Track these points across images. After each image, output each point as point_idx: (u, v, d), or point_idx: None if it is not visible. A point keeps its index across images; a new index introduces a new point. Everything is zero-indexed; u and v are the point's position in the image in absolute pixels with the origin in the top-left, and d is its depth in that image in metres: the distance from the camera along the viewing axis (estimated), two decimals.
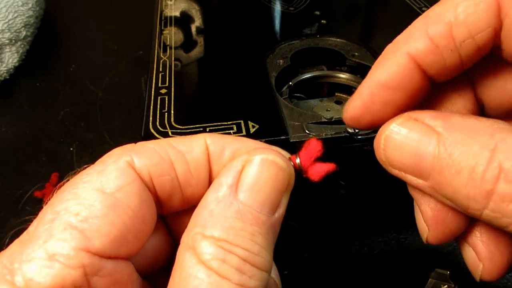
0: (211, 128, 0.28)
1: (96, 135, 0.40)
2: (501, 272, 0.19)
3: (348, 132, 0.28)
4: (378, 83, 0.18)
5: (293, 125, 0.28)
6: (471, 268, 0.19)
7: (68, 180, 0.18)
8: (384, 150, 0.18)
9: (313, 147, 0.20)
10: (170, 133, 0.27)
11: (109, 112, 0.43)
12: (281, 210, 0.18)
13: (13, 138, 0.41)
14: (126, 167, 0.17)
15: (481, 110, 0.20)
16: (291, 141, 0.27)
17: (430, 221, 0.19)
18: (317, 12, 0.42)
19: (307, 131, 0.28)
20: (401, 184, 0.30)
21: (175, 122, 0.28)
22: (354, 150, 0.29)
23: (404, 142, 0.18)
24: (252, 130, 0.28)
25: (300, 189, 0.30)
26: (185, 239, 0.17)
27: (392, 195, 0.32)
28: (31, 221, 0.17)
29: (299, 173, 0.20)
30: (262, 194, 0.17)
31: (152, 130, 0.28)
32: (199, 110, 0.30)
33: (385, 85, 0.18)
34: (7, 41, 0.46)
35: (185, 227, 0.17)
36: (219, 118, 0.29)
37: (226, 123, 0.28)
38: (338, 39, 0.38)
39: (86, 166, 0.18)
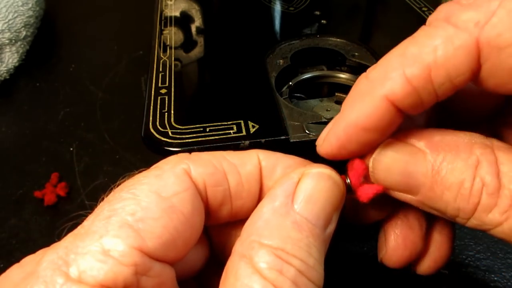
0: (211, 128, 0.28)
1: (96, 135, 0.40)
2: (397, 264, 0.22)
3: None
4: (355, 125, 0.19)
5: (293, 125, 0.28)
6: (378, 249, 0.23)
7: (123, 181, 0.18)
8: (373, 172, 0.19)
9: (358, 166, 0.20)
10: (170, 133, 0.27)
11: (109, 112, 0.43)
12: (332, 226, 0.18)
13: (13, 138, 0.41)
14: (183, 174, 0.18)
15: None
16: (291, 141, 0.27)
17: (391, 245, 0.21)
18: (317, 12, 0.42)
19: (307, 131, 0.28)
20: None
21: (175, 122, 0.28)
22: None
23: (392, 163, 0.19)
24: (252, 130, 0.28)
25: None
26: (239, 248, 0.17)
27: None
28: (84, 216, 0.17)
29: (349, 192, 0.20)
30: (317, 207, 0.18)
31: (152, 130, 0.28)
32: (199, 110, 0.30)
33: (363, 127, 0.18)
34: (7, 41, 0.46)
35: (226, 239, 0.18)
36: (219, 118, 0.29)
37: (226, 123, 0.28)
38: (338, 39, 0.38)
39: (142, 169, 0.19)
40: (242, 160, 0.19)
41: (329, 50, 0.37)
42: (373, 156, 0.19)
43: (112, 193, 0.18)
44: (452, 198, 0.17)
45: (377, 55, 0.35)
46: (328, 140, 0.20)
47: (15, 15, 0.46)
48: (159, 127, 0.28)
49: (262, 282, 0.15)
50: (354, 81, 0.35)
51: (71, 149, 0.39)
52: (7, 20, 0.45)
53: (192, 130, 0.28)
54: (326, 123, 0.29)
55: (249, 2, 0.44)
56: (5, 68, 0.46)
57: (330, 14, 0.42)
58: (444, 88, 0.17)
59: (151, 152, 0.28)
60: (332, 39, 0.38)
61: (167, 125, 0.28)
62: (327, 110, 0.33)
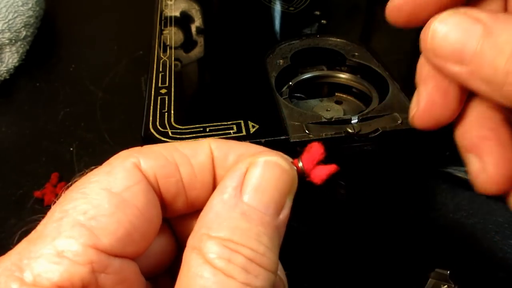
0: (211, 128, 0.28)
1: (96, 135, 0.40)
2: (425, 124, 0.23)
3: (348, 132, 0.28)
4: None
5: (293, 125, 0.28)
6: (410, 110, 0.23)
7: (75, 181, 0.18)
8: (431, 39, 0.20)
9: (315, 150, 0.20)
10: (170, 133, 0.27)
11: (109, 112, 0.43)
12: (285, 212, 0.18)
13: (13, 138, 0.41)
14: (133, 168, 0.18)
15: None
16: (291, 141, 0.27)
17: (425, 100, 0.22)
18: (317, 12, 0.42)
19: (307, 131, 0.28)
20: (401, 184, 0.30)
21: (175, 122, 0.28)
22: (354, 150, 0.29)
23: (451, 31, 0.19)
24: (252, 130, 0.28)
25: (300, 189, 0.30)
26: (191, 241, 0.17)
27: (392, 194, 0.32)
28: (38, 220, 0.17)
29: (302, 176, 0.20)
30: (266, 195, 0.18)
31: (152, 130, 0.28)
32: (199, 110, 0.30)
33: None
34: (7, 41, 0.46)
35: (189, 230, 0.17)
36: (219, 118, 0.29)
37: (226, 123, 0.28)
38: (338, 39, 0.38)
39: (93, 167, 0.18)
40: (194, 151, 0.19)
41: (329, 50, 0.37)
42: (435, 22, 0.20)
43: (63, 195, 0.17)
44: (503, 62, 0.18)
45: (377, 55, 0.35)
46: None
47: (15, 15, 0.46)
48: (159, 127, 0.28)
49: (212, 271, 0.16)
50: (354, 81, 0.35)
51: (71, 149, 0.39)
52: (7, 20, 0.45)
53: (192, 130, 0.28)
54: (326, 123, 0.29)
55: (249, 2, 0.44)
56: (5, 68, 0.46)
57: (330, 14, 0.42)
58: None
59: None
60: (332, 39, 0.38)
61: (167, 125, 0.28)
62: (327, 110, 0.33)
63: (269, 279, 0.17)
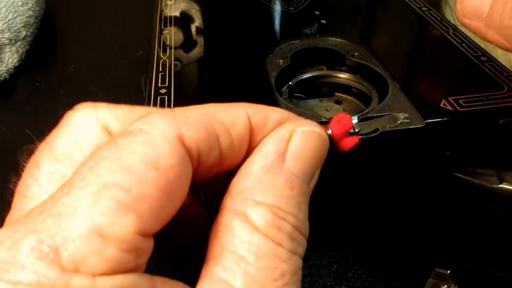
0: None
1: None
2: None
3: (348, 132, 0.28)
4: None
5: None
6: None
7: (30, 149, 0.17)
8: (460, 3, 0.26)
9: (345, 121, 0.22)
10: None
11: None
12: (315, 181, 0.19)
13: (13, 138, 0.41)
14: (177, 142, 0.16)
15: None
16: None
17: None
18: (317, 12, 0.42)
19: None
20: (401, 184, 0.30)
21: None
22: (354, 150, 0.29)
23: None
24: None
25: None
26: (232, 205, 0.17)
27: (391, 194, 0.32)
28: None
29: (330, 144, 0.21)
30: (307, 164, 0.18)
31: None
32: None
33: None
34: (7, 41, 0.46)
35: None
36: None
37: None
38: (338, 39, 0.38)
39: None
40: (232, 120, 0.18)
41: (329, 50, 0.37)
42: None
43: (91, 157, 0.15)
44: (506, 10, 0.23)
45: (377, 55, 0.35)
46: None
47: (15, 15, 0.46)
48: None
49: (263, 239, 0.16)
50: (354, 81, 0.35)
51: None
52: (7, 20, 0.45)
53: None
54: (326, 123, 0.29)
55: (249, 2, 0.44)
56: (5, 68, 0.46)
57: (330, 14, 0.42)
58: None
59: None
60: (332, 39, 0.38)
61: None
62: (327, 110, 0.33)
63: (306, 245, 0.17)
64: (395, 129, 0.28)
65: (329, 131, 0.21)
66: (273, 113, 0.19)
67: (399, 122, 0.29)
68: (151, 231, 0.15)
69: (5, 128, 0.42)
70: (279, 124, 0.19)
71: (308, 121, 0.19)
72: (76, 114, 0.19)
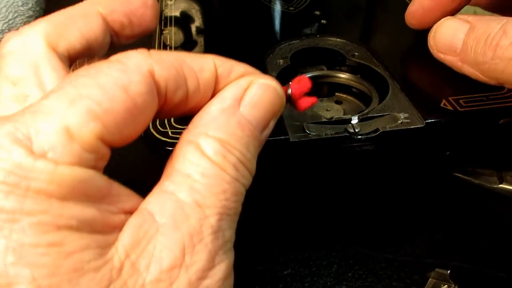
0: None
1: None
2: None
3: (348, 132, 0.28)
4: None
5: (292, 125, 0.28)
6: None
7: (80, 65, 0.20)
8: (433, 35, 0.28)
9: (304, 82, 0.24)
10: (170, 133, 0.27)
11: None
12: (268, 131, 0.21)
13: None
14: (148, 75, 0.18)
15: None
16: (291, 141, 0.27)
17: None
18: (317, 12, 0.42)
19: (307, 131, 0.28)
20: (401, 184, 0.30)
21: (175, 122, 0.28)
22: (354, 150, 0.29)
23: (447, 30, 0.27)
24: None
25: (302, 191, 0.30)
26: (187, 136, 0.19)
27: (391, 194, 0.32)
28: None
29: (288, 102, 0.23)
30: (260, 112, 0.20)
31: (152, 130, 0.28)
32: None
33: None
34: None
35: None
36: None
37: None
38: (338, 39, 0.38)
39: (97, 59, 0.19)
40: (200, 66, 0.20)
41: (329, 50, 0.37)
42: (438, 23, 0.28)
43: (73, 75, 0.17)
44: (479, 46, 0.25)
45: (377, 55, 0.35)
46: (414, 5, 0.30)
47: (15, 15, 0.46)
48: (159, 127, 0.28)
49: (209, 163, 0.18)
50: (354, 81, 0.35)
51: None
52: (7, 20, 0.45)
53: None
54: (326, 123, 0.29)
55: (249, 2, 0.44)
56: None
57: (330, 14, 0.42)
58: None
59: (151, 152, 0.28)
60: (332, 39, 0.38)
61: (167, 125, 0.28)
62: (327, 110, 0.33)
63: (249, 182, 0.19)
64: (395, 129, 0.28)
65: (289, 90, 0.24)
66: (238, 67, 0.21)
67: (399, 122, 0.29)
68: (111, 141, 0.17)
69: None
70: (242, 76, 0.21)
71: (267, 76, 0.22)
72: (19, 37, 0.20)
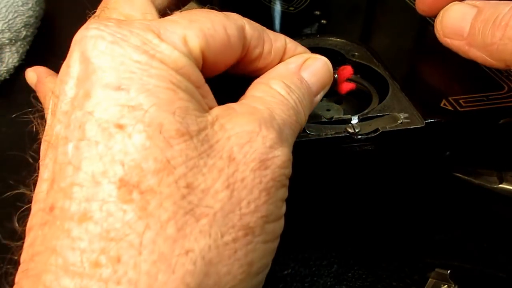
0: None
1: None
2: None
3: (348, 132, 0.28)
4: None
5: None
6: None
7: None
8: (440, 20, 0.28)
9: (348, 70, 0.29)
10: None
11: None
12: (318, 98, 0.26)
13: (13, 138, 0.41)
14: (241, 27, 0.24)
15: None
16: None
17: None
18: (317, 12, 0.42)
19: (307, 131, 0.28)
20: (401, 184, 0.30)
21: None
22: (354, 150, 0.29)
23: (454, 14, 0.27)
24: None
25: (301, 191, 0.30)
26: (258, 80, 0.24)
27: (391, 194, 0.32)
28: None
29: (333, 84, 0.28)
30: (315, 79, 0.25)
31: None
32: None
33: None
34: (7, 41, 0.46)
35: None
36: None
37: None
38: (338, 39, 0.38)
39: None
40: (275, 37, 0.25)
41: (329, 50, 0.37)
42: (442, 10, 0.27)
43: (192, 10, 0.23)
44: (487, 28, 0.25)
45: (377, 55, 0.35)
46: None
47: (15, 15, 0.46)
48: None
49: (277, 93, 0.23)
50: (354, 81, 0.35)
51: None
52: (7, 20, 0.45)
53: None
54: (326, 123, 0.29)
55: (249, 2, 0.44)
56: (5, 68, 0.46)
57: (330, 14, 0.42)
58: None
59: None
60: (332, 39, 0.38)
61: None
62: (327, 110, 0.33)
63: (301, 127, 0.24)
64: (395, 129, 0.28)
65: (335, 75, 0.28)
66: (301, 47, 0.27)
67: (399, 122, 0.29)
68: (205, 59, 0.21)
69: (5, 128, 0.42)
70: (290, 52, 0.26)
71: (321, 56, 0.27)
72: None
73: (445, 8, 0.28)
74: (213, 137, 0.19)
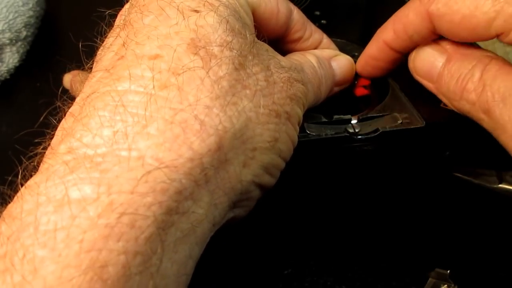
0: None
1: None
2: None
3: (348, 132, 0.28)
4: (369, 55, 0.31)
5: None
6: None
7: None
8: (413, 60, 0.28)
9: (367, 80, 0.32)
10: None
11: None
12: (336, 90, 0.31)
13: (13, 138, 0.41)
14: (285, 11, 0.29)
15: None
16: None
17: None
18: (317, 12, 0.42)
19: (307, 131, 0.28)
20: (401, 184, 0.30)
21: None
22: (354, 150, 0.29)
23: (426, 55, 0.27)
24: None
25: (301, 190, 0.30)
26: (296, 52, 0.30)
27: (391, 194, 0.32)
28: None
29: (352, 85, 0.32)
30: (339, 71, 0.30)
31: None
32: None
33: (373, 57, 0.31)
34: (7, 41, 0.46)
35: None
36: None
37: None
38: (338, 39, 0.38)
39: None
40: (315, 29, 0.31)
41: None
42: (417, 48, 0.28)
43: None
44: (452, 84, 0.26)
45: None
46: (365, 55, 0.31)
47: (16, 15, 0.46)
48: None
49: (311, 63, 0.28)
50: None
51: None
52: (7, 20, 0.45)
53: None
54: (326, 123, 0.29)
55: None
56: (6, 68, 0.46)
57: (330, 14, 0.42)
58: (415, 37, 0.27)
59: None
60: (332, 39, 0.38)
61: None
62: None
63: (319, 99, 0.29)
64: (395, 129, 0.28)
65: (356, 81, 0.32)
66: (334, 45, 0.33)
67: (399, 122, 0.29)
68: (254, 18, 0.26)
69: (5, 128, 0.42)
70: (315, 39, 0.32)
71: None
72: None
73: (417, 49, 0.28)
74: (259, 48, 0.24)
